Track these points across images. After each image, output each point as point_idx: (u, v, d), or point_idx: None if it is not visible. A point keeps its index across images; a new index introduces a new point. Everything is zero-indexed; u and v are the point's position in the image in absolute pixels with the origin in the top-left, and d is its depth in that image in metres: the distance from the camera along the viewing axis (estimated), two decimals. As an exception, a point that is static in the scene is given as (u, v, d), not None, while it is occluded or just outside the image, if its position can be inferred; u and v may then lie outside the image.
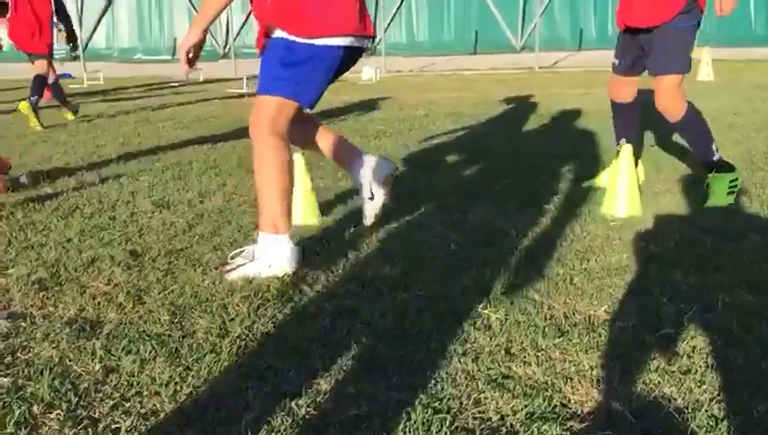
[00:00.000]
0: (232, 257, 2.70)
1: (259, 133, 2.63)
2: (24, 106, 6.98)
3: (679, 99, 3.37)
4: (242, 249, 2.72)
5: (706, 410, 1.62)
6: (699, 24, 3.34)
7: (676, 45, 3.30)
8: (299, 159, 3.30)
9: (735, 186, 3.38)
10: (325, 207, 3.44)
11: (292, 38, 2.62)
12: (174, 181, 4.24)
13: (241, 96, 10.23)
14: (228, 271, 2.60)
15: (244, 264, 2.61)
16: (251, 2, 2.77)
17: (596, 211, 3.33)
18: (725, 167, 3.41)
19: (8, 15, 7.74)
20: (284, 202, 2.66)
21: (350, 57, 2.74)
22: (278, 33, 2.65)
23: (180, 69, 2.71)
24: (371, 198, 3.02)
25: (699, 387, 1.72)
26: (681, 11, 3.24)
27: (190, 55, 2.68)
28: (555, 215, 3.29)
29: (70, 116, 7.60)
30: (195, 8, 19.03)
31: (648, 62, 3.43)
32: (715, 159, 3.43)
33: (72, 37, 8.31)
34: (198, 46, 2.70)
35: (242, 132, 6.20)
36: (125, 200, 3.77)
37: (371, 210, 3.04)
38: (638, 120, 3.76)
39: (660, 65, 3.35)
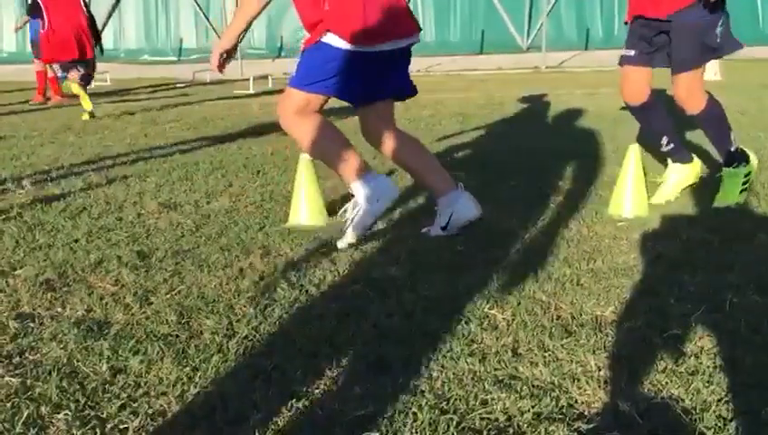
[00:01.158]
0: (343, 217, 2.92)
1: (288, 120, 2.92)
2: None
3: (698, 93, 3.29)
4: (344, 209, 2.93)
5: (714, 411, 1.61)
6: (724, 14, 3.18)
7: (692, 40, 3.19)
8: (305, 159, 3.30)
9: (748, 182, 3.33)
10: (332, 208, 3.44)
11: (331, 41, 2.79)
12: (181, 182, 4.25)
13: (249, 96, 10.24)
14: (348, 228, 2.84)
15: (354, 216, 2.84)
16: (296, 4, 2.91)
17: (603, 212, 3.32)
18: (742, 157, 3.33)
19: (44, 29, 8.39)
20: (347, 149, 2.92)
21: (395, 54, 2.94)
22: (321, 36, 2.81)
23: (212, 68, 2.99)
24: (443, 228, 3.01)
25: (707, 388, 1.71)
26: (696, 1, 3.12)
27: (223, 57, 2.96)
28: (562, 215, 3.28)
29: (86, 116, 7.88)
30: (201, 9, 19.09)
31: (667, 57, 3.32)
32: (732, 148, 3.34)
33: (97, 38, 8.96)
34: (230, 52, 2.98)
35: (249, 133, 6.21)
36: (132, 201, 3.79)
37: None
38: (662, 119, 3.52)
39: (677, 62, 3.26)
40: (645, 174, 3.40)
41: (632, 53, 3.41)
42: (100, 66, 9.35)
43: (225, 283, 2.52)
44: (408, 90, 3.10)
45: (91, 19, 8.98)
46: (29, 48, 10.21)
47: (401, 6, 2.93)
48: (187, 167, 4.72)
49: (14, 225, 3.33)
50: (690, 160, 3.57)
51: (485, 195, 3.68)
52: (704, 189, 3.55)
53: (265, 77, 12.43)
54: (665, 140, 3.50)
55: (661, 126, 3.51)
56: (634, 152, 3.31)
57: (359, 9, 2.76)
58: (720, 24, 3.17)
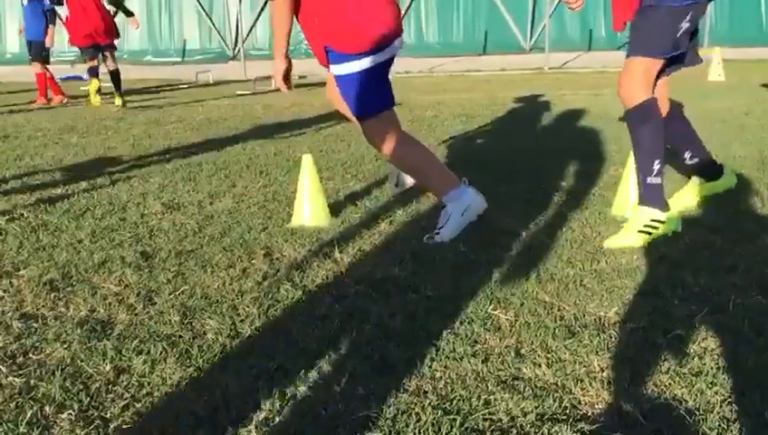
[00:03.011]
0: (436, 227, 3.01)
1: (379, 147, 3.05)
2: (117, 101, 8.94)
3: (638, 86, 2.86)
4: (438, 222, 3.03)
5: (718, 412, 1.61)
6: (693, 4, 2.78)
7: (647, 26, 2.82)
8: (308, 159, 3.31)
9: (656, 228, 2.84)
10: (334, 209, 3.45)
11: (346, 70, 2.91)
12: (184, 183, 4.25)
13: (253, 96, 10.25)
14: (436, 235, 2.97)
15: (444, 226, 2.97)
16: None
17: (606, 212, 3.31)
18: (653, 201, 2.87)
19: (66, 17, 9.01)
20: (437, 162, 3.11)
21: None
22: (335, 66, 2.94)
23: (282, 90, 3.05)
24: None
25: (710, 389, 1.71)
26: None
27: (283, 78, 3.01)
28: (565, 216, 3.28)
29: (118, 103, 8.88)
30: (204, 10, 19.12)
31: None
32: (649, 181, 2.86)
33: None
34: (288, 70, 3.00)
35: (252, 134, 6.22)
36: (135, 202, 3.79)
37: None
38: (683, 133, 3.29)
39: (630, 47, 2.90)
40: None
41: None
42: (103, 67, 9.53)
43: (229, 283, 2.52)
44: None
45: (117, 3, 9.67)
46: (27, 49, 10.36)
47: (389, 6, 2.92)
48: (190, 167, 4.73)
49: (18, 225, 3.34)
50: (719, 174, 3.39)
51: (488, 196, 3.67)
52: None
53: (269, 78, 12.43)
54: (687, 154, 3.31)
55: (680, 139, 3.29)
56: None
57: (347, 19, 2.83)
58: (687, 18, 2.79)
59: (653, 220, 2.84)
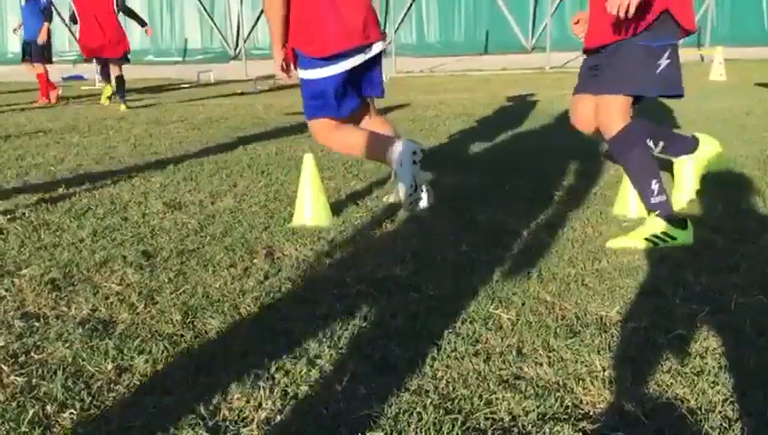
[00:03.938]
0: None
1: (324, 142, 3.45)
2: (122, 107, 8.95)
3: (616, 117, 2.83)
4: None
5: (720, 412, 1.61)
6: (673, 44, 2.76)
7: (625, 63, 2.77)
8: (309, 159, 3.31)
9: (665, 241, 2.79)
10: (336, 208, 3.45)
11: (306, 75, 3.30)
12: (185, 182, 4.26)
13: (254, 96, 10.25)
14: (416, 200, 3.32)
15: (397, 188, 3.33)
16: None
17: (608, 212, 3.31)
18: (667, 214, 2.82)
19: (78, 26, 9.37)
20: (375, 140, 3.35)
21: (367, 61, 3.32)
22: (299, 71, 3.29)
23: (283, 79, 3.38)
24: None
25: (712, 388, 1.71)
26: (639, 31, 2.72)
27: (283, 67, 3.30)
28: (566, 215, 3.28)
29: (122, 109, 8.92)
30: (205, 10, 19.11)
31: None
32: (654, 201, 2.83)
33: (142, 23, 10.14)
34: (287, 60, 3.28)
35: (253, 133, 6.22)
36: (137, 201, 3.79)
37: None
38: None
39: (605, 84, 2.85)
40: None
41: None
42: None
43: (230, 282, 2.52)
44: (377, 92, 3.45)
45: (131, 12, 9.90)
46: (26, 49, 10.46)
47: (362, 15, 3.22)
48: (191, 167, 4.73)
49: (20, 224, 3.34)
50: (695, 144, 3.32)
51: (490, 195, 3.68)
52: (708, 190, 3.54)
53: (270, 77, 12.44)
54: (650, 142, 3.19)
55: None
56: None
57: (313, 23, 3.13)
58: (666, 56, 2.76)
59: (664, 233, 2.80)
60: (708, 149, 3.38)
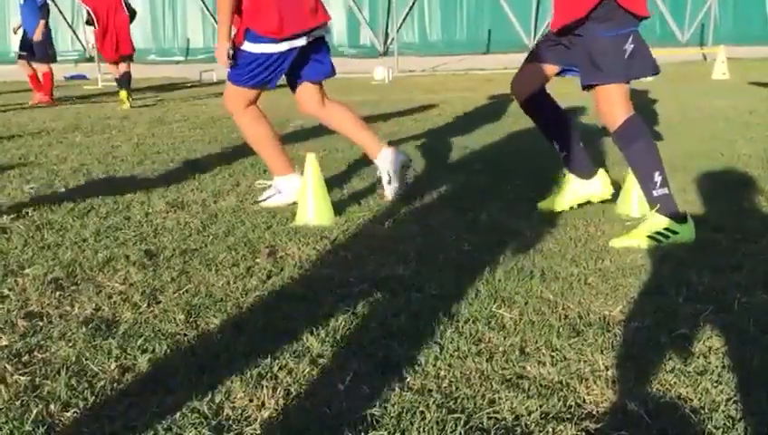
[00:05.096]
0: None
1: (230, 108, 3.62)
2: (123, 95, 9.27)
3: (619, 108, 2.94)
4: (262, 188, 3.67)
5: (723, 411, 1.61)
6: (633, 31, 2.87)
7: (600, 54, 2.89)
8: (312, 158, 3.31)
9: (667, 237, 2.80)
10: (338, 207, 3.45)
11: (249, 48, 3.45)
12: (188, 181, 4.26)
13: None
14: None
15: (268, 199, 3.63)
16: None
17: (610, 211, 3.31)
18: (668, 210, 2.83)
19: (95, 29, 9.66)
20: (278, 146, 3.69)
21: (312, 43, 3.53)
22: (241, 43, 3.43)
23: (225, 65, 3.48)
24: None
25: (715, 388, 1.70)
26: (597, 17, 2.83)
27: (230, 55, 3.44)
28: (569, 214, 3.28)
29: (126, 105, 9.16)
30: (208, 10, 19.11)
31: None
32: (656, 194, 2.86)
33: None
34: (229, 50, 3.42)
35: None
36: (140, 200, 3.80)
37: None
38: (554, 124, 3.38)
39: (593, 76, 2.95)
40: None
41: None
42: (107, 66, 9.70)
43: (233, 282, 2.52)
44: (328, 72, 3.64)
45: (133, 13, 10.11)
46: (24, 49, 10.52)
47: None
48: (194, 166, 4.73)
49: (23, 224, 3.35)
50: (589, 176, 3.31)
51: (492, 194, 3.68)
52: (711, 189, 3.54)
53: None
54: (557, 146, 3.35)
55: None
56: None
57: (272, 7, 3.29)
58: (630, 41, 2.88)
59: (666, 229, 2.81)
60: (595, 188, 3.33)
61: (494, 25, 18.47)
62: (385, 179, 3.60)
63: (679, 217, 2.84)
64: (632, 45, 2.89)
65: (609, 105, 2.97)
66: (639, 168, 2.93)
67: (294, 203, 3.44)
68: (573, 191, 3.34)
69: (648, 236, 2.82)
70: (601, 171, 3.35)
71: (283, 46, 3.36)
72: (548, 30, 3.15)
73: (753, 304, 2.20)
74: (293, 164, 3.69)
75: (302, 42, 3.40)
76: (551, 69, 3.21)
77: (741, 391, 1.69)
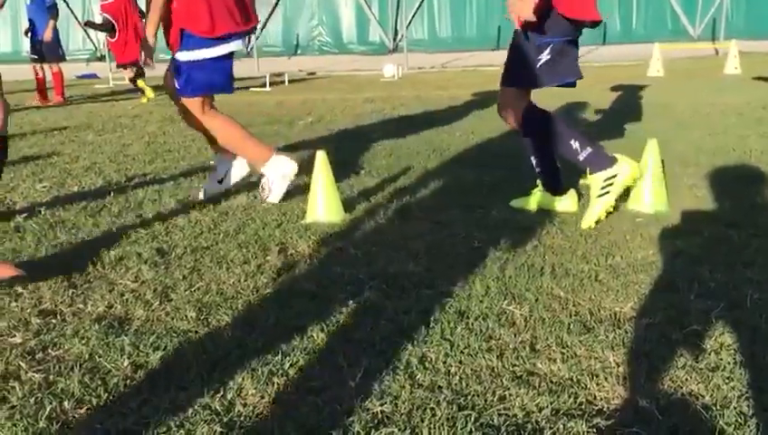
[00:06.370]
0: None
1: (199, 120, 3.64)
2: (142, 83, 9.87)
3: (519, 108, 3.11)
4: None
5: (735, 408, 1.60)
6: (556, 41, 2.96)
7: (520, 59, 3.07)
8: (321, 155, 3.32)
9: (611, 184, 2.94)
10: (348, 204, 3.45)
11: (187, 57, 3.51)
12: (199, 179, 4.28)
13: (265, 93, 10.28)
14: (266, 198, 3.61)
15: (269, 192, 3.62)
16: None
17: (621, 207, 3.30)
18: (597, 165, 2.98)
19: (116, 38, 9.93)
20: (248, 140, 3.67)
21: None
22: (178, 53, 3.48)
23: (150, 65, 3.61)
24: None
25: (727, 384, 1.70)
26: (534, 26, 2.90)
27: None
28: (580, 211, 3.27)
29: (145, 99, 9.71)
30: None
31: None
32: (581, 158, 2.99)
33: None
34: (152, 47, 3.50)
35: (264, 130, 6.24)
36: (151, 199, 3.82)
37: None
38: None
39: (511, 78, 3.17)
40: (663, 168, 3.37)
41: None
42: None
43: (244, 279, 2.54)
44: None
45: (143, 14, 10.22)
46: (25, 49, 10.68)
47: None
48: (205, 164, 4.75)
49: (36, 222, 3.37)
50: (560, 188, 3.30)
51: (502, 190, 3.67)
52: (723, 184, 3.52)
53: (281, 75, 12.47)
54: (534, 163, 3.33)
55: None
56: (653, 147, 3.29)
57: (203, 7, 3.35)
58: (547, 52, 2.98)
59: (605, 180, 2.95)
60: (564, 205, 3.29)
61: (504, 21, 18.38)
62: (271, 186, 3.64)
63: (611, 163, 2.95)
64: (548, 56, 2.97)
65: (507, 106, 3.17)
66: (556, 144, 3.06)
67: (303, 188, 3.53)
68: (543, 202, 3.33)
69: (599, 196, 2.93)
70: (571, 191, 3.31)
71: (225, 48, 3.45)
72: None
73: (765, 300, 2.18)
74: (272, 146, 3.80)
75: (235, 46, 3.50)
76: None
77: (753, 387, 1.68)
